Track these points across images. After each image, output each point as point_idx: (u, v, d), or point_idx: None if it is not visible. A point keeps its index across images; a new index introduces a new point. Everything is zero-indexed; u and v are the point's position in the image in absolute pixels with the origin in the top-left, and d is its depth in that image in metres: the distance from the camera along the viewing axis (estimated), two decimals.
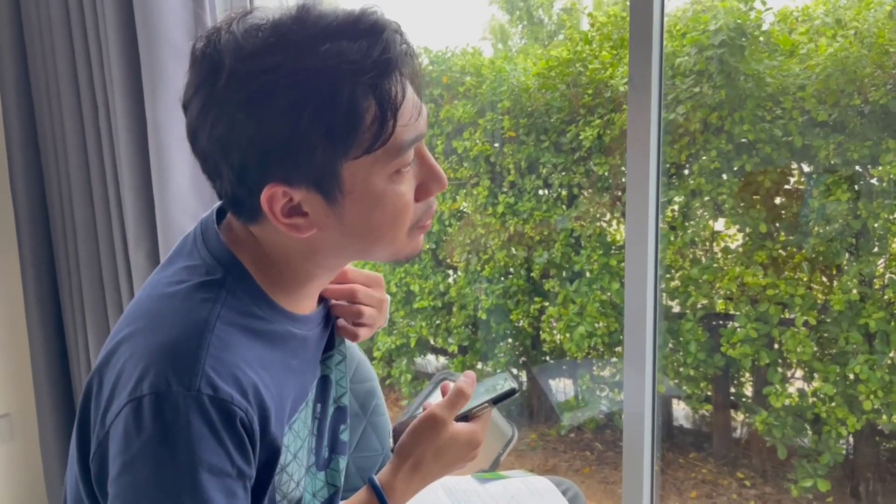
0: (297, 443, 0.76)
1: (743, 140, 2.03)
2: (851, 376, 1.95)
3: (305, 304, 0.78)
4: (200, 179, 1.47)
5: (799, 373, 2.13)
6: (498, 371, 2.61)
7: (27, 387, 1.86)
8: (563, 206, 2.49)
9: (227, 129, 0.62)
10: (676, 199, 2.21)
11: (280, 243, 0.71)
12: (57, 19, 1.55)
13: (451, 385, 0.79)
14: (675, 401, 2.45)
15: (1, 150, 1.73)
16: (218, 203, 0.76)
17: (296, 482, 0.76)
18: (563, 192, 2.46)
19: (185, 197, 1.45)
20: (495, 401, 0.79)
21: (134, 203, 1.51)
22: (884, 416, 1.93)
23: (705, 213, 2.20)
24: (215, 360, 0.63)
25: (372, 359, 1.10)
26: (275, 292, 0.72)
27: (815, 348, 2.02)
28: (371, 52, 0.61)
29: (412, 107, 0.66)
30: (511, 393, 0.79)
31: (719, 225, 2.21)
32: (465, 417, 0.79)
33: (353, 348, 1.06)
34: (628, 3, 1.25)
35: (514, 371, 2.76)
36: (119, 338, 0.67)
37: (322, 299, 0.84)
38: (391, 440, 1.01)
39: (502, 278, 2.66)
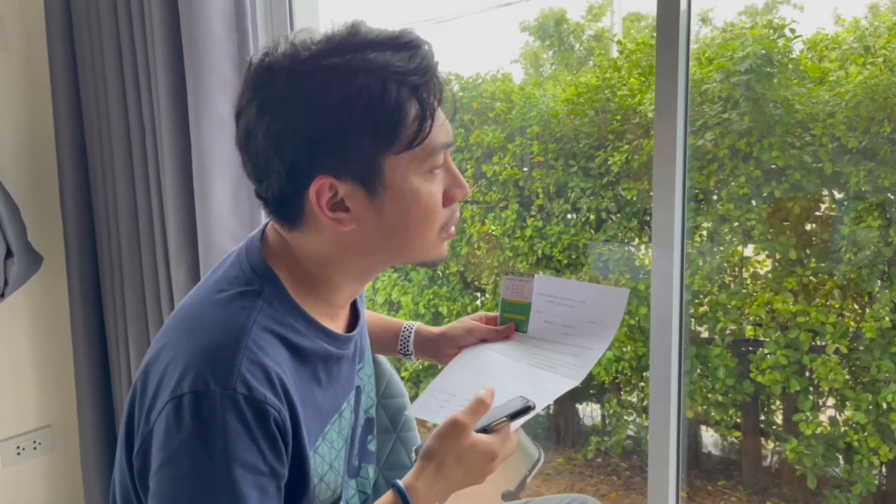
0: (331, 453, 0.79)
1: (772, 166, 2.02)
2: (884, 405, 1.92)
3: (340, 318, 0.82)
4: (240, 200, 1.54)
5: (830, 401, 2.10)
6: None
7: (70, 399, 1.91)
8: (591, 231, 2.51)
9: (283, 123, 0.69)
10: (705, 224, 2.21)
11: (314, 249, 0.76)
12: (108, 47, 1.63)
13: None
14: (703, 427, 2.42)
15: (53, 170, 1.82)
16: (264, 223, 0.81)
17: (332, 490, 0.80)
18: (592, 217, 2.48)
19: (225, 217, 1.50)
20: (512, 416, 0.81)
21: (176, 222, 1.56)
22: None
23: (734, 239, 2.19)
24: (251, 363, 0.67)
25: (400, 378, 1.13)
26: (308, 304, 0.77)
27: (847, 376, 2.00)
28: (413, 61, 0.70)
29: (441, 114, 0.75)
30: (527, 410, 0.81)
31: (748, 251, 2.20)
32: (484, 432, 0.81)
33: (385, 364, 1.10)
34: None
35: None
36: (163, 342, 0.72)
37: (355, 316, 0.88)
38: (413, 454, 1.03)
39: None
